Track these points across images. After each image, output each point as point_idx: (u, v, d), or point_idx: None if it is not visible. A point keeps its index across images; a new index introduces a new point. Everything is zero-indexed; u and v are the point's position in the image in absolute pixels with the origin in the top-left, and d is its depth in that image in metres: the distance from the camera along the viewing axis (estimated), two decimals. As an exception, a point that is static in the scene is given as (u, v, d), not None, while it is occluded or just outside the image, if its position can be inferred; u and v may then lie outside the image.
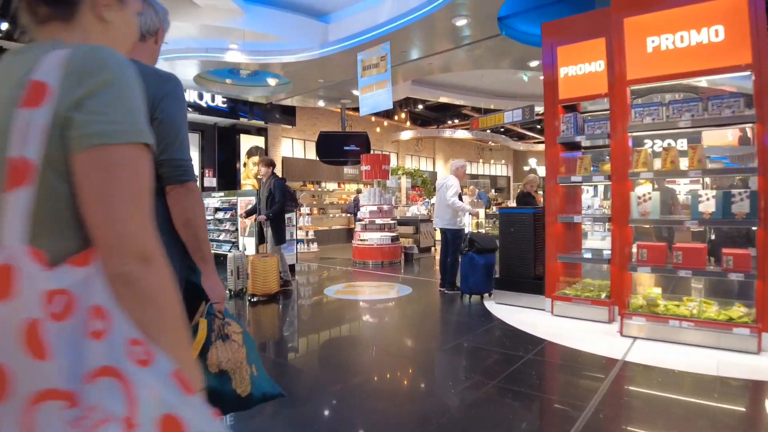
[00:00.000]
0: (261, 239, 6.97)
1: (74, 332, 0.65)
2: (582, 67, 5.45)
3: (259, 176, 7.16)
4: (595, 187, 7.19)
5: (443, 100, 14.12)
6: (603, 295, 5.27)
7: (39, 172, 0.69)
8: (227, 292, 6.72)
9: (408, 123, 18.54)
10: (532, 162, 27.15)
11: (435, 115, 20.77)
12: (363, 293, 7.07)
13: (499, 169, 29.12)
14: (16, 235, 0.67)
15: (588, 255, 5.79)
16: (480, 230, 16.12)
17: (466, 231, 6.79)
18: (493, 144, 25.69)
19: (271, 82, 10.48)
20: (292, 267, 7.79)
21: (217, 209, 9.64)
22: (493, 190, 24.70)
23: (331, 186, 16.66)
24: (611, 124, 5.11)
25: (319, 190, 16.20)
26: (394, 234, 10.40)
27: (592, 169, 5.49)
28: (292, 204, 7.27)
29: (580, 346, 4.32)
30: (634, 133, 4.96)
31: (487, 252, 6.18)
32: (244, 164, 14.12)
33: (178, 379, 0.71)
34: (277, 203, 6.41)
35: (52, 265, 0.68)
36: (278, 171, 15.08)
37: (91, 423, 0.61)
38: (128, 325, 0.69)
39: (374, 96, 6.74)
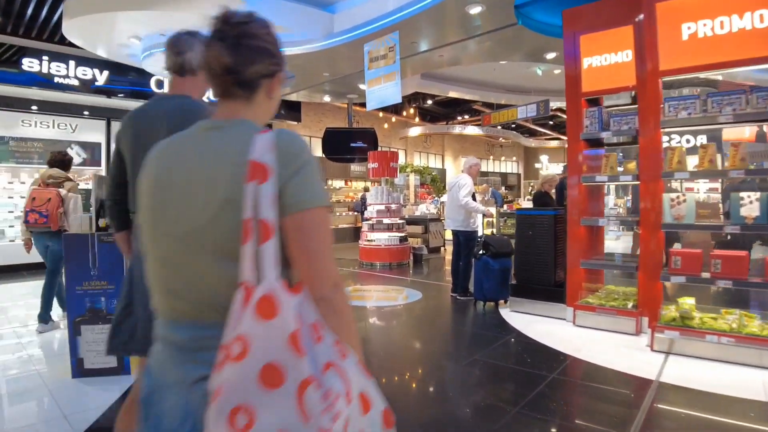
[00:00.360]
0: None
1: (309, 338, 0.89)
2: (607, 58, 5.04)
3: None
4: (607, 186, 6.80)
5: (453, 95, 13.71)
6: (629, 305, 4.88)
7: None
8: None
9: (416, 119, 18.14)
10: (544, 159, 26.68)
11: (444, 111, 20.36)
12: (369, 298, 6.71)
13: (510, 166, 28.69)
14: (272, 273, 0.91)
15: (614, 260, 5.40)
16: (491, 230, 15.73)
17: (480, 233, 6.42)
18: (503, 141, 25.25)
19: (275, 75, 10.14)
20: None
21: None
22: (503, 188, 24.26)
23: (338, 183, 16.33)
24: (640, 119, 4.72)
25: (325, 188, 15.83)
26: (403, 234, 10.04)
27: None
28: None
29: (607, 363, 3.95)
30: (667, 129, 4.56)
31: (502, 256, 5.81)
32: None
33: (362, 366, 0.99)
34: None
35: None
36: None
37: (332, 398, 0.87)
38: (330, 331, 0.95)
39: (382, 89, 6.36)
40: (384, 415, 1.00)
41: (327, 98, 12.13)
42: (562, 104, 15.01)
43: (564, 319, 5.22)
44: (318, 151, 14.92)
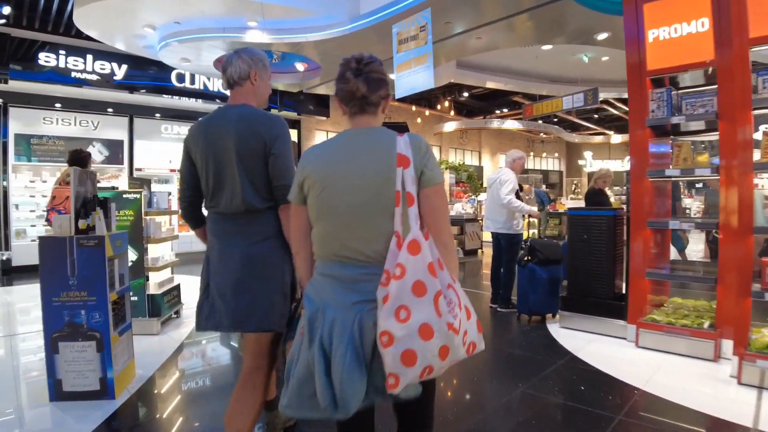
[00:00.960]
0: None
1: (437, 267, 1.42)
2: (677, 29, 4.25)
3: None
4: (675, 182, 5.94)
5: (491, 85, 12.90)
6: (705, 324, 4.10)
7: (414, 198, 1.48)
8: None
9: (452, 112, 17.35)
10: (588, 155, 25.41)
11: (481, 105, 19.51)
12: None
13: (551, 163, 27.55)
14: (416, 226, 1.44)
15: (691, 269, 4.61)
16: (531, 232, 14.95)
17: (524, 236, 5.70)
18: (545, 136, 24.16)
19: (300, 67, 9.60)
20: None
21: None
22: (544, 186, 23.16)
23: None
24: (722, 100, 3.94)
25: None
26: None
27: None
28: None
29: (686, 401, 3.20)
30: (759, 111, 3.75)
31: (551, 264, 5.09)
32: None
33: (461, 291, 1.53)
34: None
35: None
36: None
37: (453, 305, 1.42)
38: (446, 264, 1.49)
39: (412, 74, 5.70)
40: (477, 323, 1.59)
41: (355, 92, 11.58)
42: (610, 95, 14.03)
43: (624, 339, 4.47)
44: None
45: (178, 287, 5.65)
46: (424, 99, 16.50)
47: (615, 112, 19.11)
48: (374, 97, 1.60)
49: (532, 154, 25.54)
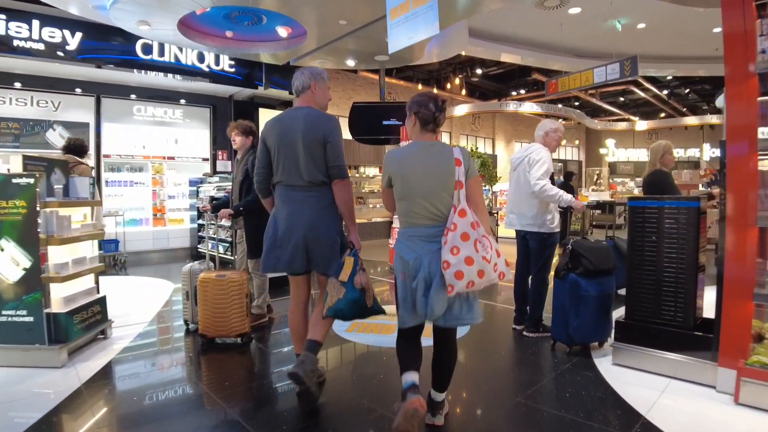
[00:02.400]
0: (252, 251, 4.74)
1: (476, 224, 2.45)
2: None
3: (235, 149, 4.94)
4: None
5: (506, 58, 11.43)
6: None
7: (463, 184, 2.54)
8: (183, 322, 4.74)
9: (463, 92, 15.86)
10: (610, 143, 23.85)
11: (496, 87, 18.07)
12: (387, 331, 4.71)
13: (570, 152, 26.00)
14: (464, 201, 2.49)
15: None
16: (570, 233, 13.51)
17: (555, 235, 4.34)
18: (564, 122, 22.61)
19: (282, 32, 8.24)
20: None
21: (213, 198, 7.39)
22: (561, 177, 21.66)
23: (371, 171, 14.40)
24: None
25: (357, 175, 13.96)
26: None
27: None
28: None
29: None
30: None
31: (601, 275, 3.72)
32: (264, 145, 12.05)
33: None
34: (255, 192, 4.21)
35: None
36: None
37: (487, 247, 2.45)
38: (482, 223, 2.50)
39: (411, 19, 4.27)
40: (506, 260, 2.53)
41: (351, 62, 10.10)
42: (647, 71, 12.55)
43: (712, 388, 3.12)
44: (346, 132, 13.07)
45: (102, 301, 4.37)
46: (433, 78, 15.06)
47: (642, 95, 17.58)
48: (441, 121, 2.69)
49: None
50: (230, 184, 5.68)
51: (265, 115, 12.12)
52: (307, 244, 3.03)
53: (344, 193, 3.06)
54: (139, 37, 8.84)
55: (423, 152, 2.58)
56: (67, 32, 8.28)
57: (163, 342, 4.58)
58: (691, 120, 20.93)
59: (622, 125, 22.57)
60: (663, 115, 22.19)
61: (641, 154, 25.45)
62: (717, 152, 18.54)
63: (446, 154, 2.55)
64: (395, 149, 2.72)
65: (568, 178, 11.91)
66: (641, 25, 10.13)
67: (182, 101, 11.19)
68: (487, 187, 13.12)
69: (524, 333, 4.35)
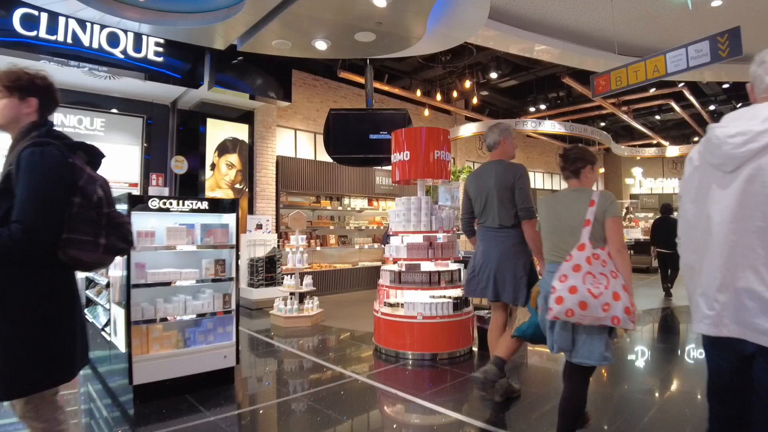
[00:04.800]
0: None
1: (607, 261, 2.68)
2: None
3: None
4: None
5: (540, 48, 8.82)
6: None
7: (598, 223, 2.78)
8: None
9: (474, 100, 13.04)
10: (637, 172, 21.28)
11: (509, 103, 15.59)
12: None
13: (588, 182, 23.40)
14: (586, 236, 2.71)
15: None
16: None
17: None
18: (591, 147, 20.07)
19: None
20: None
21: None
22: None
23: (358, 203, 11.70)
24: None
25: (340, 208, 11.26)
26: (459, 293, 5.29)
27: None
28: (109, 234, 2.22)
29: None
30: None
31: None
32: (212, 166, 9.37)
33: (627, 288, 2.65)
34: (17, 224, 1.88)
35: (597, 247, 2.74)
36: (270, 175, 10.43)
37: (597, 283, 2.59)
38: (613, 263, 2.70)
39: None
40: (626, 308, 2.55)
41: (322, 45, 7.40)
42: (704, 75, 10.04)
43: None
44: (319, 151, 10.22)
45: None
46: (434, 83, 12.46)
47: (679, 112, 15.07)
48: (572, 168, 3.00)
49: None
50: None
51: (216, 128, 9.47)
52: (496, 277, 3.88)
53: (531, 231, 3.75)
54: (19, 3, 6.26)
55: (566, 198, 2.98)
56: None
57: None
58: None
59: (650, 151, 20.03)
60: (696, 139, 19.73)
61: (669, 185, 22.91)
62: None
63: (582, 199, 2.85)
64: (549, 196, 3.16)
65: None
66: (716, 3, 7.61)
67: (105, 107, 8.57)
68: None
69: None
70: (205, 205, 4.34)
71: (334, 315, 7.82)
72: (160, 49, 7.61)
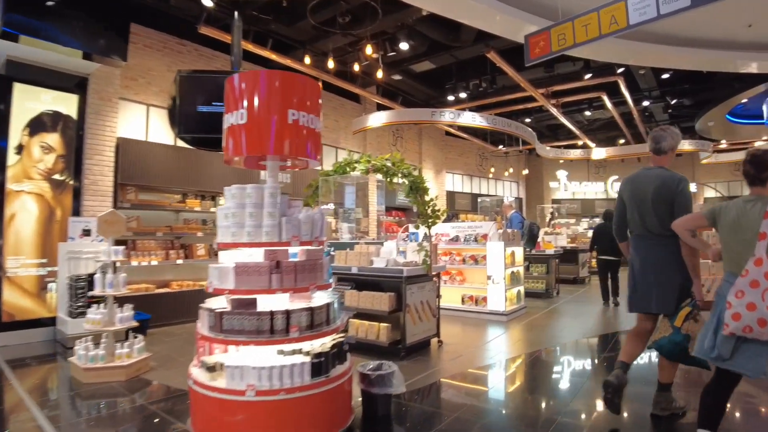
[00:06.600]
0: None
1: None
2: None
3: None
4: None
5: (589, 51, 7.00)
6: None
7: None
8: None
9: (379, 73, 10.64)
10: (562, 175, 20.34)
11: (426, 92, 13.84)
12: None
13: (507, 187, 22.22)
14: (762, 250, 2.64)
15: None
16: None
17: None
18: (505, 149, 18.82)
19: None
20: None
21: None
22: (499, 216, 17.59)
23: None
24: None
25: (213, 210, 8.92)
26: (327, 343, 3.27)
27: None
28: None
29: None
30: None
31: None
32: (20, 148, 6.82)
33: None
34: None
35: None
36: (108, 163, 7.78)
37: None
38: None
39: None
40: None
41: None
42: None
43: None
44: (164, 132, 7.78)
45: None
46: (334, 56, 10.33)
47: (610, 109, 14.01)
48: (763, 175, 2.90)
49: (491, 175, 20.20)
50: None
51: (28, 97, 6.95)
52: (657, 288, 3.66)
53: (686, 247, 3.51)
54: None
55: (744, 207, 2.90)
56: None
57: None
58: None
59: (575, 153, 19.06)
60: (622, 141, 18.96)
61: (592, 190, 22.18)
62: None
63: (759, 208, 2.80)
64: (728, 204, 3.06)
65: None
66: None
67: None
68: (416, 230, 8.41)
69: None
70: None
71: (173, 358, 5.58)
72: None
